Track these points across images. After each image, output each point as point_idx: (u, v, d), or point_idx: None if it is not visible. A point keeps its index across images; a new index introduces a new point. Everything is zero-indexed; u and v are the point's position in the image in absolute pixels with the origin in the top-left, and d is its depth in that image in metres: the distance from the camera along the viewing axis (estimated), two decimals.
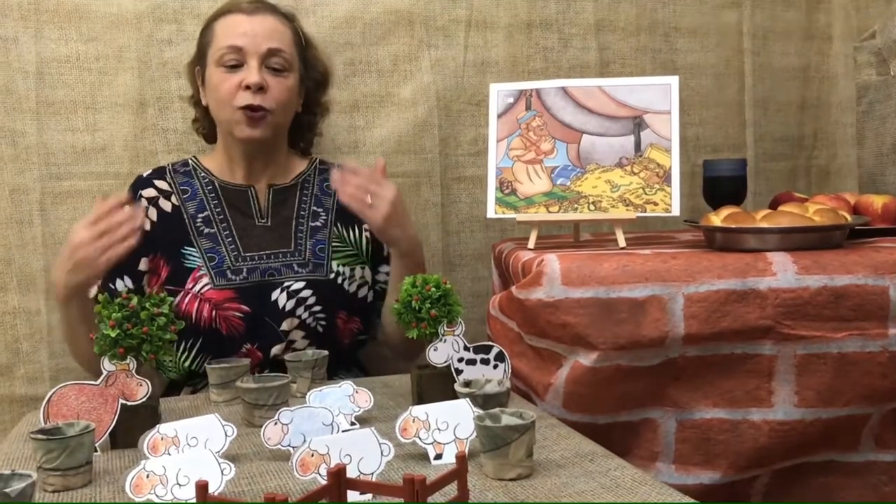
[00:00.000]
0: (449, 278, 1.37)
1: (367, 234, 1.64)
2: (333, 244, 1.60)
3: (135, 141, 1.75)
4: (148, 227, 1.56)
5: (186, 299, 1.51)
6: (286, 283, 1.53)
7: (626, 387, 1.29)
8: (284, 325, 1.52)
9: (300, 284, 1.54)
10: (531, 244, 1.49)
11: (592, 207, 1.48)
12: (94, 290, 1.50)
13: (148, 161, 1.75)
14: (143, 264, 1.55)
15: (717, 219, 1.42)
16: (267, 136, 1.55)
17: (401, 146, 1.88)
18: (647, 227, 1.97)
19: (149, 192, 1.59)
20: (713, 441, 1.28)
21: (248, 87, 1.51)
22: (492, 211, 1.52)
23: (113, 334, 1.14)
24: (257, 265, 1.55)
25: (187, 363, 1.54)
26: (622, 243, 1.44)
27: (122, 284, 1.54)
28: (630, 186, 1.48)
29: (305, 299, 1.53)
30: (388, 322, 1.61)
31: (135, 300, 1.17)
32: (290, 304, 1.53)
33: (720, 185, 1.68)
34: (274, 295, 1.53)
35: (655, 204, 1.46)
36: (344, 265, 1.59)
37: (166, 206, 1.58)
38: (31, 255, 1.70)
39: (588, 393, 1.28)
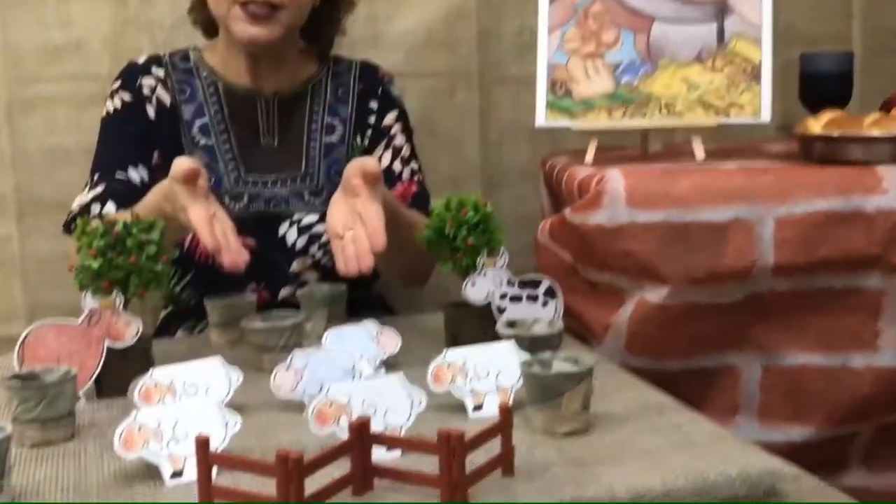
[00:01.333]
0: (489, 200, 1.36)
1: (369, 139, 1.60)
2: None
3: (115, 37, 1.74)
4: (153, 116, 1.55)
5: None
6: (296, 217, 1.53)
7: (701, 327, 1.29)
8: (295, 266, 1.53)
9: (313, 218, 1.53)
10: (589, 158, 1.47)
11: (664, 112, 1.46)
12: (98, 190, 1.49)
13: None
14: (156, 157, 1.54)
15: (817, 125, 1.39)
16: (274, 37, 1.50)
17: (430, 40, 1.85)
18: (731, 136, 1.92)
19: (149, 81, 1.57)
20: (805, 391, 1.28)
21: None
22: (542, 118, 1.51)
23: (95, 265, 1.15)
24: (261, 192, 1.54)
25: (178, 291, 1.55)
26: (700, 155, 1.43)
27: (137, 175, 1.52)
28: (711, 86, 1.45)
29: (320, 236, 1.53)
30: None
31: (119, 224, 1.17)
32: (302, 242, 1.53)
33: (821, 85, 1.64)
34: (282, 229, 1.53)
35: (741, 107, 1.43)
36: None
37: (165, 98, 1.57)
38: (0, 174, 1.72)
39: (656, 334, 1.29)
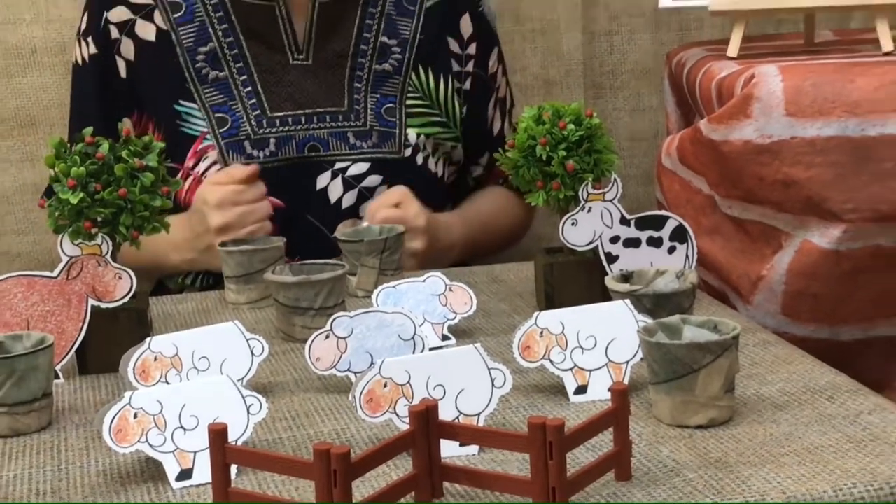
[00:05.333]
0: (594, 108, 1.35)
1: (466, 92, 1.65)
2: (410, 102, 1.61)
3: None
4: (124, 71, 1.59)
5: (186, 184, 1.56)
6: (339, 164, 1.55)
7: (888, 282, 1.28)
8: (340, 231, 1.54)
9: (362, 167, 1.56)
10: (733, 50, 1.46)
11: None
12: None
13: None
14: (128, 125, 1.59)
15: None
16: None
17: None
18: None
19: (118, 14, 1.60)
20: None
21: None
22: None
23: (75, 200, 1.17)
24: (292, 133, 1.57)
25: (189, 280, 1.60)
26: (888, 46, 1.41)
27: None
28: None
29: (372, 190, 1.55)
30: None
31: (105, 146, 1.19)
32: (350, 198, 1.56)
33: None
34: (321, 181, 1.56)
35: None
36: (427, 137, 1.60)
37: (148, 32, 1.59)
38: None
39: (825, 292, 1.29)
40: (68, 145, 1.19)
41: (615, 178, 1.28)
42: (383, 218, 1.49)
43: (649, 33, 1.91)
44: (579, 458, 0.87)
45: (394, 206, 1.50)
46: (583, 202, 1.27)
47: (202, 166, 1.55)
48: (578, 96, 1.89)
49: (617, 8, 1.91)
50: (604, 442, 0.89)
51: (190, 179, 1.55)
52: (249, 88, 1.58)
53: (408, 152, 1.58)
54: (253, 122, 1.56)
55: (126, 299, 1.19)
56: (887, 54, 1.39)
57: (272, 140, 1.56)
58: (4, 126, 1.76)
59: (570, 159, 1.26)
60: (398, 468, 0.88)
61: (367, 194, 1.56)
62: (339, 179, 1.55)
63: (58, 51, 1.76)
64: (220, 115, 1.55)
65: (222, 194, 1.46)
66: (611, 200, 1.28)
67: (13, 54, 1.77)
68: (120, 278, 1.19)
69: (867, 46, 1.48)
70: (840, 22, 1.81)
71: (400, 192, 1.52)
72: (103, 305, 1.19)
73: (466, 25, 1.66)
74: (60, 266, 1.18)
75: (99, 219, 1.18)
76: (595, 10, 1.90)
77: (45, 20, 1.77)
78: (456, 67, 1.65)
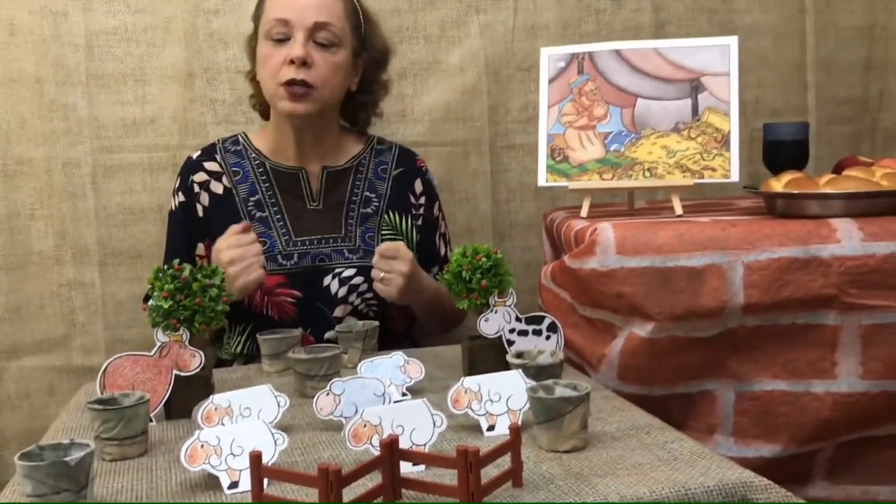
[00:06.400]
0: (499, 248, 1.36)
1: (418, 227, 1.64)
2: (383, 232, 1.59)
3: (184, 112, 1.77)
4: (201, 212, 1.58)
5: None
6: (337, 270, 1.53)
7: (683, 358, 1.27)
8: (337, 312, 1.53)
9: (351, 271, 1.54)
10: (584, 213, 1.47)
11: (648, 174, 1.45)
12: None
13: (197, 133, 1.76)
14: (201, 249, 1.57)
15: (779, 184, 1.38)
16: (310, 111, 1.52)
17: (449, 114, 1.87)
18: (705, 194, 1.92)
19: (200, 177, 1.59)
20: (773, 413, 1.26)
21: (292, 62, 1.49)
22: (543, 179, 1.50)
23: (166, 305, 1.16)
24: (308, 250, 1.55)
25: (238, 347, 1.56)
26: (679, 211, 1.42)
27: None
28: (687, 152, 1.45)
29: (357, 286, 1.53)
30: (419, 321, 1.66)
31: (187, 271, 1.18)
32: (343, 291, 1.53)
33: (781, 150, 1.63)
34: (326, 281, 1.53)
35: (713, 170, 1.43)
36: None
37: (218, 188, 1.59)
38: (85, 228, 1.74)
39: (644, 365, 1.27)
40: (164, 269, 1.19)
41: (512, 292, 1.28)
42: (387, 247, 1.47)
43: (533, 201, 1.91)
44: (489, 472, 0.87)
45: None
46: (492, 307, 1.27)
47: None
48: (489, 240, 1.89)
49: (513, 185, 1.91)
50: (504, 461, 0.88)
51: None
52: (281, 223, 1.56)
53: None
54: (282, 244, 1.54)
55: (197, 370, 1.18)
56: (678, 216, 1.40)
57: (295, 254, 1.54)
58: (122, 258, 1.74)
59: (484, 279, 1.26)
60: (373, 480, 0.86)
61: (354, 288, 1.53)
62: (337, 279, 1.53)
63: (157, 209, 1.75)
64: (262, 239, 1.53)
65: (227, 241, 1.44)
66: (509, 306, 1.28)
67: (127, 214, 1.77)
68: (194, 356, 1.18)
69: (666, 211, 1.49)
70: (649, 196, 1.84)
71: (401, 243, 1.52)
72: (183, 374, 1.17)
73: (419, 185, 1.66)
74: (155, 348, 1.17)
75: (181, 318, 1.17)
76: (499, 185, 1.90)
77: (151, 190, 1.77)
78: (413, 211, 1.64)
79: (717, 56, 1.47)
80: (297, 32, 1.50)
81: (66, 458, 0.85)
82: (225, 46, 1.77)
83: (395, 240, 1.59)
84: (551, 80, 1.54)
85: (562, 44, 1.84)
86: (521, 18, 1.88)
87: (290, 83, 1.49)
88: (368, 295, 1.54)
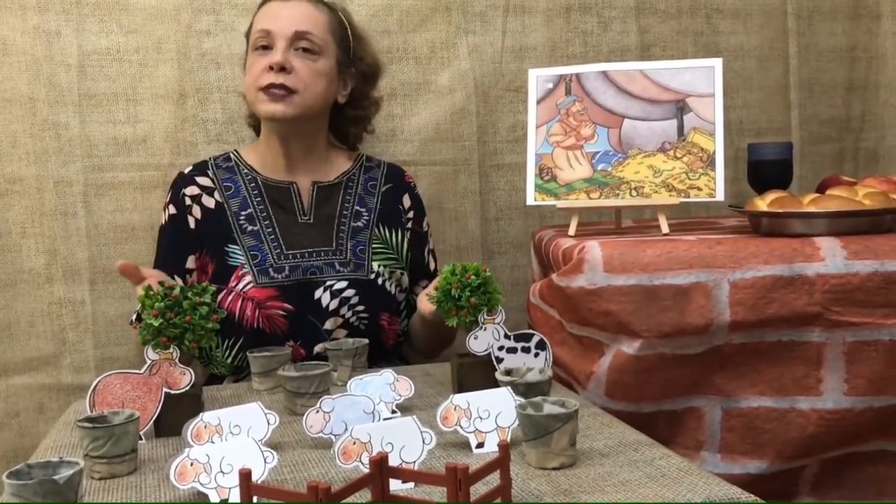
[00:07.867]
0: (488, 266, 1.36)
1: (408, 241, 1.64)
2: (374, 246, 1.60)
3: (175, 132, 1.77)
4: (193, 225, 1.57)
5: (230, 297, 1.52)
6: (329, 283, 1.53)
7: (670, 375, 1.27)
8: (328, 325, 1.52)
9: (343, 284, 1.54)
10: (572, 231, 1.47)
11: (634, 193, 1.46)
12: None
13: (188, 152, 1.76)
14: (191, 262, 1.57)
15: (763, 203, 1.40)
16: (290, 114, 1.53)
17: (438, 134, 1.87)
18: (691, 212, 1.94)
19: (192, 191, 1.59)
20: (760, 430, 1.26)
21: (271, 68, 1.51)
22: (531, 198, 1.51)
23: (156, 324, 1.15)
24: (299, 263, 1.54)
25: (230, 360, 1.55)
26: (665, 229, 1.42)
27: (180, 281, 1.54)
28: (673, 171, 1.46)
29: (349, 299, 1.53)
30: (416, 338, 1.65)
31: (177, 289, 1.18)
32: (334, 304, 1.53)
33: (765, 169, 1.65)
34: (317, 294, 1.53)
35: (699, 189, 1.44)
36: (384, 267, 1.59)
37: (209, 202, 1.59)
38: (76, 247, 1.73)
39: (631, 381, 1.27)
40: (152, 289, 1.18)
41: (501, 310, 1.28)
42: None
43: (522, 220, 1.92)
44: (478, 489, 0.86)
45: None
46: (481, 324, 1.27)
47: (241, 285, 1.52)
48: (478, 258, 1.88)
49: (501, 204, 1.92)
50: (493, 478, 0.88)
51: (232, 294, 1.52)
52: (273, 237, 1.56)
53: (372, 276, 1.56)
54: (274, 257, 1.54)
55: (187, 388, 1.17)
56: (665, 235, 1.41)
57: (287, 268, 1.54)
58: (113, 276, 1.73)
59: (473, 297, 1.26)
60: (362, 497, 0.86)
61: (345, 301, 1.53)
62: (328, 292, 1.53)
63: (148, 228, 1.75)
64: (253, 252, 1.53)
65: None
66: (498, 323, 1.28)
67: (118, 232, 1.76)
68: (184, 374, 1.17)
69: (653, 230, 1.49)
70: (636, 215, 1.85)
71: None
72: (172, 392, 1.16)
73: (407, 200, 1.67)
74: (145, 366, 1.16)
75: (171, 336, 1.17)
76: (488, 204, 1.91)
77: (142, 208, 1.76)
78: (403, 226, 1.64)
79: (702, 77, 1.48)
80: (279, 41, 1.53)
81: (55, 477, 0.84)
82: (216, 67, 1.77)
83: (386, 254, 1.59)
84: (539, 101, 1.55)
85: (549, 65, 1.86)
86: (509, 40, 1.89)
87: (269, 87, 1.51)
88: (360, 307, 1.54)
